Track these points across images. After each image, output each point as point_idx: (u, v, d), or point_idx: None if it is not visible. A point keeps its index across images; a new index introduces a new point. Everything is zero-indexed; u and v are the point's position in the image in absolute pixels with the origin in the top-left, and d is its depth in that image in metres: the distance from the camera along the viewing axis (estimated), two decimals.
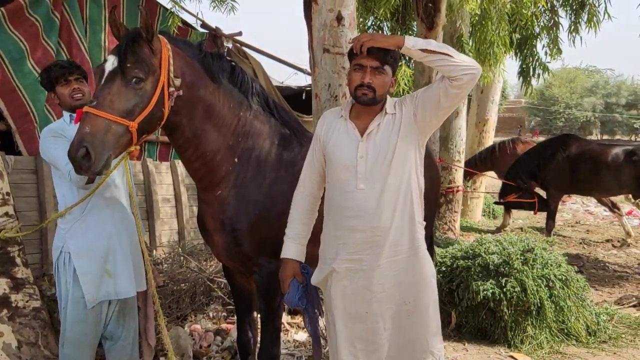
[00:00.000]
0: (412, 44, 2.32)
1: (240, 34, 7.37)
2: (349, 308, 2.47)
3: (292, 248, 2.62)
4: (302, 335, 4.44)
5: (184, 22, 6.61)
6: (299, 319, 4.68)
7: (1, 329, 3.21)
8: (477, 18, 6.64)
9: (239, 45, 7.42)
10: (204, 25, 7.00)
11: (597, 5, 7.04)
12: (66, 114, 3.00)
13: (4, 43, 4.78)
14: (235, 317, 3.36)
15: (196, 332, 4.32)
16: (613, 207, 8.98)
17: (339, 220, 2.47)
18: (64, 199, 2.98)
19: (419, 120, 2.43)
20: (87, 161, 2.29)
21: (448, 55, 2.29)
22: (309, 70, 5.07)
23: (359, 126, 2.47)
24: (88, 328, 2.95)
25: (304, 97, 7.71)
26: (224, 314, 4.75)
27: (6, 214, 3.33)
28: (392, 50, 2.40)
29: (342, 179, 2.46)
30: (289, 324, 4.60)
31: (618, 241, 8.94)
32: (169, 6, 6.31)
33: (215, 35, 6.99)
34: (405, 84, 6.02)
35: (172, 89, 2.51)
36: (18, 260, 3.36)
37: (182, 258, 5.29)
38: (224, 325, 4.55)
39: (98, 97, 2.38)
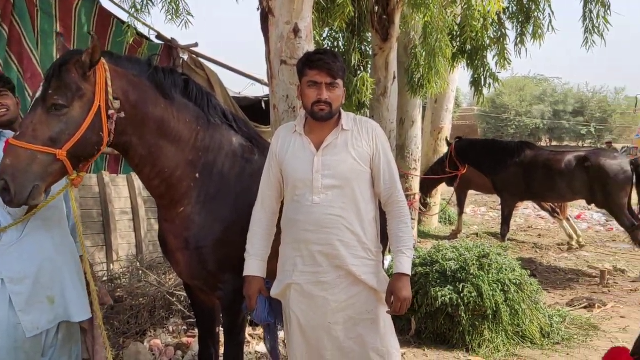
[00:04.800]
0: (409, 263, 2.48)
1: (196, 45, 7.32)
2: (308, 319, 2.51)
3: (255, 265, 2.63)
4: (263, 347, 4.42)
5: (139, 34, 6.52)
6: (260, 331, 4.66)
7: None
8: (426, 30, 6.82)
9: (195, 56, 7.37)
10: (159, 36, 6.92)
11: (541, 18, 7.33)
12: None
13: None
14: (197, 332, 3.32)
15: (156, 347, 4.26)
16: (553, 212, 9.22)
17: (296, 234, 2.50)
18: (1, 219, 2.72)
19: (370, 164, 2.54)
20: (7, 194, 2.23)
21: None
22: (266, 81, 5.10)
23: (314, 141, 2.51)
24: (24, 356, 2.69)
25: (263, 107, 7.72)
26: (184, 327, 4.70)
27: None
28: (342, 63, 2.46)
29: (299, 193, 2.49)
30: (250, 335, 4.59)
31: (565, 245, 9.21)
32: (124, 18, 6.20)
33: (170, 46, 6.93)
34: (369, 92, 6.17)
35: (111, 111, 2.39)
36: None
37: (140, 272, 5.21)
38: (184, 339, 4.49)
39: (22, 126, 2.30)
